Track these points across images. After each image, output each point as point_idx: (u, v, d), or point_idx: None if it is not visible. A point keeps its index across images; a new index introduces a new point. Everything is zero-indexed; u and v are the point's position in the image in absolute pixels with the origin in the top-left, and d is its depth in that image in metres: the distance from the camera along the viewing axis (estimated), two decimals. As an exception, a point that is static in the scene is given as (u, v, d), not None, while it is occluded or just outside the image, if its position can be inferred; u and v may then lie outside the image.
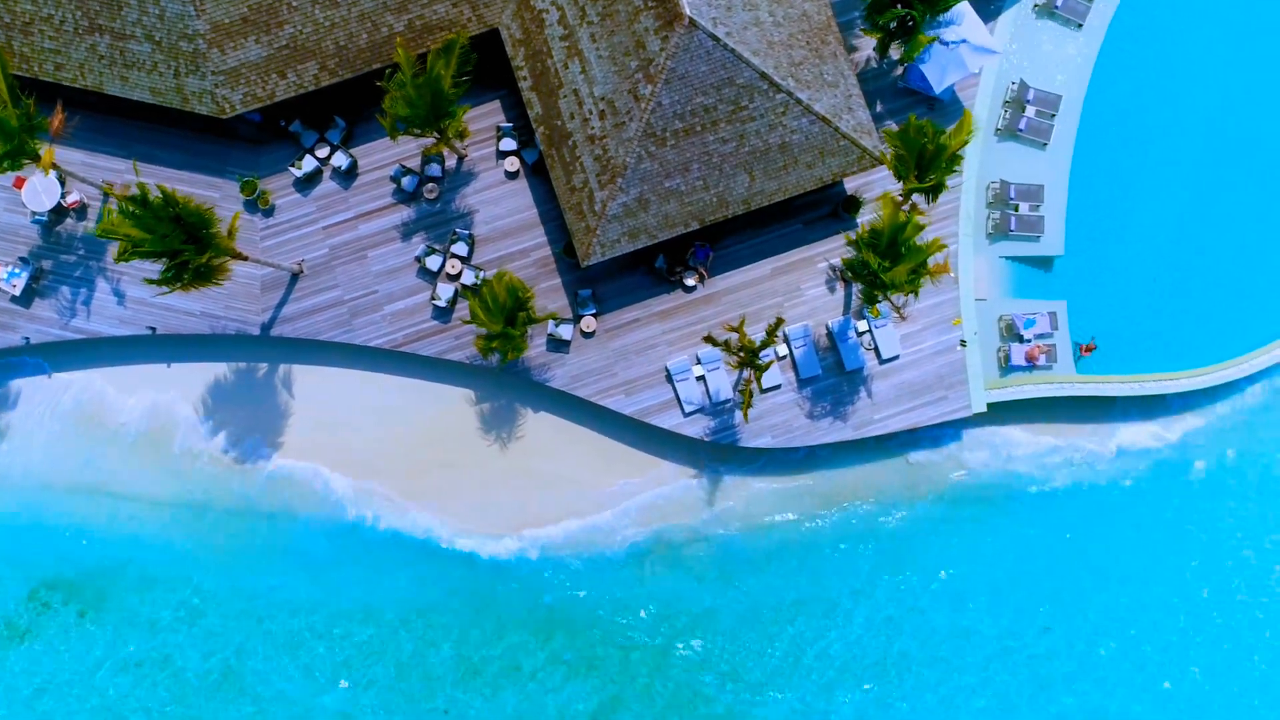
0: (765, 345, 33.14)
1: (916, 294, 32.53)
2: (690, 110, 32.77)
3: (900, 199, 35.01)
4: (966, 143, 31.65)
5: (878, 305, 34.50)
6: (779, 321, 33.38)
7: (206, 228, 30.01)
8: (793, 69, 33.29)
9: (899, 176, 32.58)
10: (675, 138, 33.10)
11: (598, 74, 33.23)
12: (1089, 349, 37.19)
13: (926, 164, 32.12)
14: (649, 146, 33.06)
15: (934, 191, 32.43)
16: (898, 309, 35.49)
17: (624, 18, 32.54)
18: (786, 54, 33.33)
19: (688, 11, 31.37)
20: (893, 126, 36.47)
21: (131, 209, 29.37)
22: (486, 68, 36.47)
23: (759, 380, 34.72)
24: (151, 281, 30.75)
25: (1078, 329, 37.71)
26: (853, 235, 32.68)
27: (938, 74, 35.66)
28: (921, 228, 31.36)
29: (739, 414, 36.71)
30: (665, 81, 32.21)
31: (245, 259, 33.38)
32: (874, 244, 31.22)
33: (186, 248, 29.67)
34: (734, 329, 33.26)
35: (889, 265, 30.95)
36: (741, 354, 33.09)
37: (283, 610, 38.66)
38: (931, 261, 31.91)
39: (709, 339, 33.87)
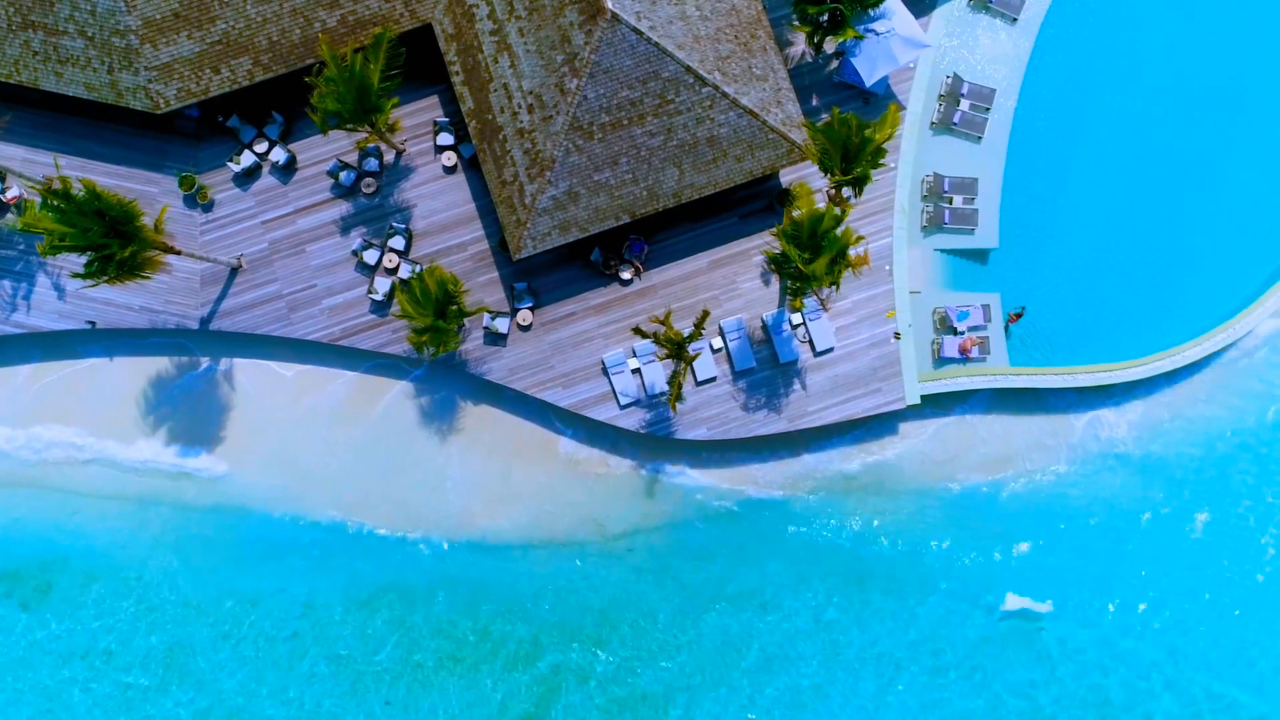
0: (692, 338, 33.34)
1: (838, 286, 32.72)
2: (616, 104, 33.00)
3: (833, 191, 35.30)
4: (890, 136, 31.79)
5: (802, 299, 34.64)
6: (705, 314, 33.66)
7: (130, 221, 30.23)
8: (719, 63, 33.51)
9: (824, 170, 32.75)
10: (602, 131, 33.32)
11: (526, 68, 33.46)
12: (1016, 317, 37.40)
13: (852, 157, 32.28)
14: (576, 140, 33.29)
15: (859, 184, 32.60)
16: (823, 301, 35.68)
17: (550, 12, 32.76)
18: (713, 48, 33.54)
19: (610, 5, 31.59)
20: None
21: (55, 203, 29.62)
22: (425, 63, 36.71)
23: (685, 372, 34.84)
24: (77, 275, 30.99)
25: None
26: (776, 228, 32.79)
27: (868, 67, 35.86)
28: (840, 220, 31.54)
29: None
30: (590, 75, 32.44)
31: (177, 252, 33.65)
32: (795, 237, 31.42)
33: (110, 241, 29.89)
34: (660, 321, 33.49)
35: (809, 257, 31.15)
36: (669, 346, 33.31)
37: (224, 603, 38.88)
38: (852, 253, 32.05)
39: (637, 331, 34.13)
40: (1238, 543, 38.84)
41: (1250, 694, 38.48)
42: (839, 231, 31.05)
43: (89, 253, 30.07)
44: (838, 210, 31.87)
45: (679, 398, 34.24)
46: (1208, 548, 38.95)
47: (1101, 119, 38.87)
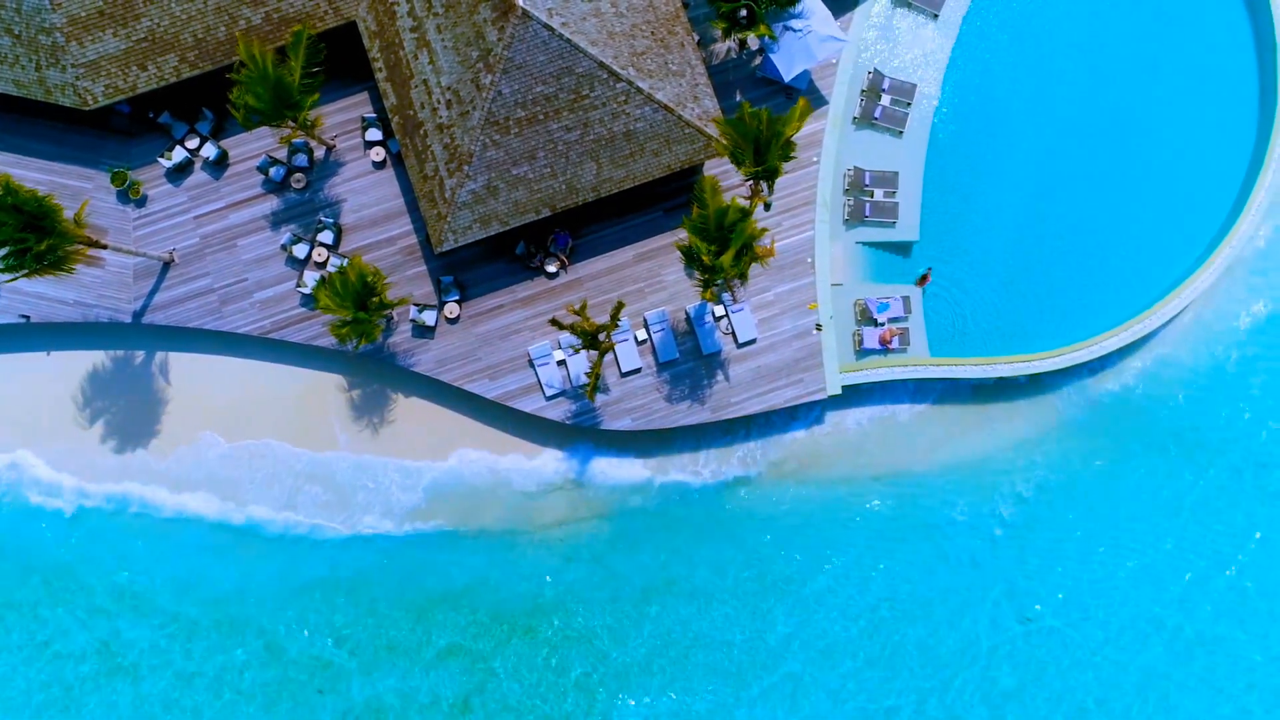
0: (605, 328, 33.88)
1: (744, 278, 33.26)
2: (531, 99, 33.55)
3: (753, 184, 35.84)
4: (797, 130, 32.30)
5: (713, 290, 35.13)
6: (620, 305, 34.20)
7: (48, 216, 30.76)
8: (634, 58, 34.05)
9: (736, 163, 33.27)
10: (519, 126, 33.88)
11: (444, 64, 34.02)
12: (924, 279, 37.96)
13: (763, 150, 32.78)
14: (493, 135, 33.85)
15: (770, 177, 33.13)
16: (731, 291, 36.28)
17: (465, 9, 33.32)
18: (628, 44, 34.09)
19: (521, 2, 32.15)
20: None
21: (-29, 197, 30.16)
22: (354, 59, 37.21)
23: (600, 363, 35.31)
24: (-5, 270, 31.57)
25: (931, 313, 38.61)
26: (684, 220, 33.28)
27: (786, 63, 36.45)
28: (747, 212, 32.08)
29: (597, 397, 37.49)
30: (504, 71, 32.99)
31: (102, 246, 34.18)
32: (703, 229, 31.97)
33: (27, 235, 30.42)
34: (576, 313, 34.05)
35: (717, 250, 31.69)
36: (583, 337, 33.87)
37: (160, 593, 39.34)
38: (759, 245, 32.61)
39: (554, 322, 34.67)
40: (1154, 526, 39.53)
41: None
42: (764, 226, 31.54)
43: (6, 247, 30.59)
44: (744, 203, 32.37)
45: (596, 388, 34.78)
46: (1128, 534, 39.63)
47: (1022, 113, 39.51)
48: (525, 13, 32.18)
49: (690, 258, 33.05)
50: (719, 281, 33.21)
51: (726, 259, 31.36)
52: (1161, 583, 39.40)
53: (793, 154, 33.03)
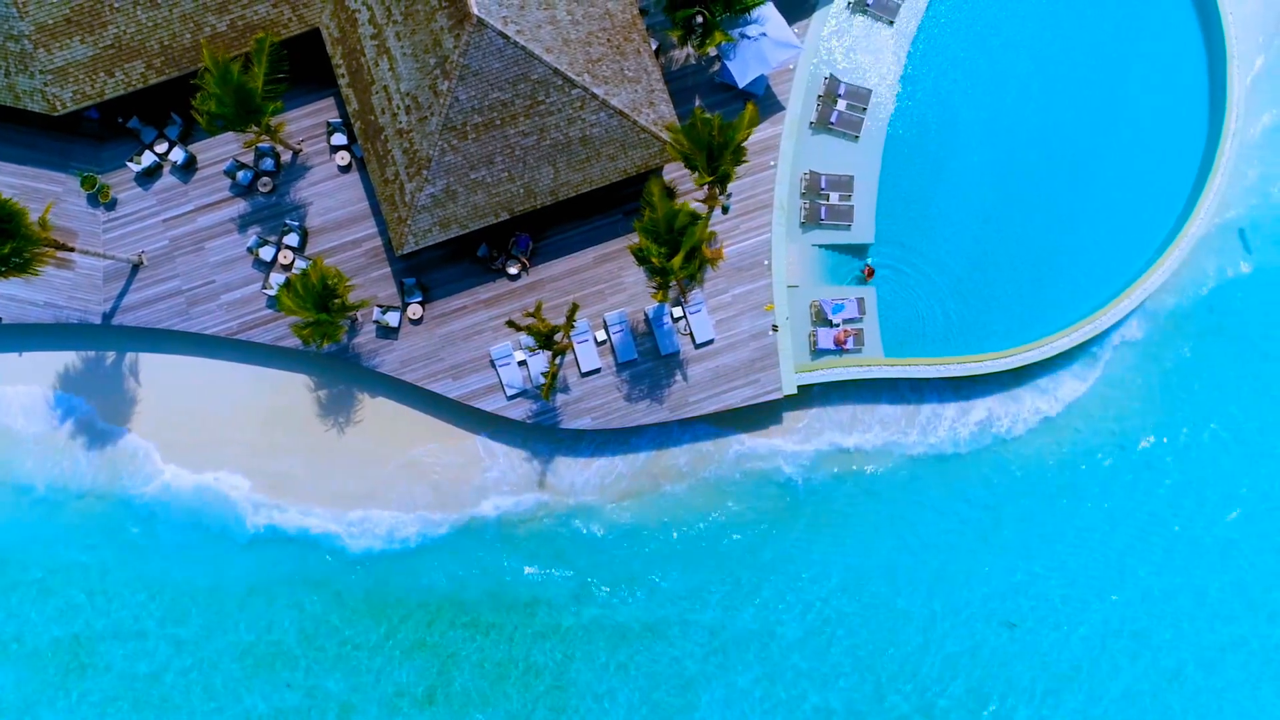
0: (560, 329, 34.57)
1: (696, 280, 33.95)
2: (488, 105, 34.27)
3: (709, 189, 36.52)
4: (747, 136, 32.98)
5: (665, 292, 35.83)
6: (574, 307, 34.92)
7: (11, 219, 31.45)
8: (590, 65, 34.77)
9: (690, 167, 33.96)
10: (476, 131, 34.60)
11: (403, 70, 34.75)
12: (870, 273, 38.87)
13: (715, 156, 33.47)
14: (451, 140, 34.56)
15: (722, 182, 33.85)
16: (683, 292, 37.02)
17: (423, 17, 34.04)
18: (584, 51, 34.81)
19: (475, 10, 32.86)
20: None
21: (-65, 201, 30.87)
22: (320, 65, 37.90)
23: (555, 362, 36.02)
24: (-41, 272, 32.24)
25: (886, 314, 39.34)
26: (635, 223, 33.95)
27: (741, 69, 37.17)
28: (697, 216, 32.78)
29: (558, 396, 38.26)
30: (460, 78, 33.72)
31: (69, 249, 34.88)
32: (654, 232, 32.66)
33: (-8, 239, 31.17)
34: (531, 314, 34.76)
35: (668, 253, 32.39)
36: (538, 338, 34.58)
37: (130, 589, 40.03)
38: (709, 248, 33.29)
39: (511, 324, 35.39)
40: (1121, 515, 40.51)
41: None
42: (722, 228, 32.19)
43: (-30, 249, 31.33)
44: (701, 207, 33.05)
45: (553, 388, 35.48)
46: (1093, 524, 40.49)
47: (976, 118, 40.23)
48: (480, 21, 32.90)
49: (642, 260, 33.73)
50: (671, 283, 33.88)
51: (676, 261, 32.06)
52: (1126, 570, 40.25)
53: (744, 159, 33.75)
